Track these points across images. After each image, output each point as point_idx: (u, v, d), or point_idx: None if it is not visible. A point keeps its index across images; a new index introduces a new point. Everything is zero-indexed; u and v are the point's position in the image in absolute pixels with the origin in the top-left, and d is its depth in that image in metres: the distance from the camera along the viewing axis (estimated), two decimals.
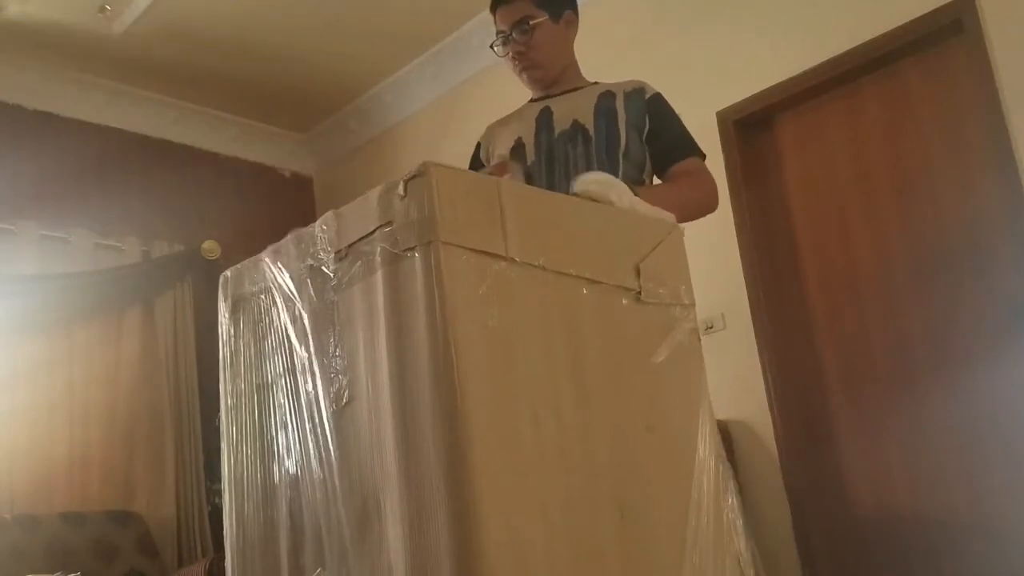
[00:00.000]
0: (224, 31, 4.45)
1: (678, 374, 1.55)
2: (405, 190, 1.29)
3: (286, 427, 1.48)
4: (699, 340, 1.62)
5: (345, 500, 1.34)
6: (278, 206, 5.33)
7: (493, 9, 2.17)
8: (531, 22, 2.10)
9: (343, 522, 1.34)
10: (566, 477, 1.31)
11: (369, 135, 5.28)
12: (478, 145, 2.27)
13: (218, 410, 1.66)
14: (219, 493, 1.98)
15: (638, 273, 1.52)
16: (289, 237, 1.57)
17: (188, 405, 4.54)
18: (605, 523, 1.34)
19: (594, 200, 1.57)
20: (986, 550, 2.90)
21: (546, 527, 1.26)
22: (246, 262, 1.67)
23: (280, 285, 1.53)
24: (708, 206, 2.12)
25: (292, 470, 1.46)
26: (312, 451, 1.42)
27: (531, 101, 2.25)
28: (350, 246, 1.39)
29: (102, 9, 4.20)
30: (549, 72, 2.18)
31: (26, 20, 4.17)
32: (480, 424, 1.21)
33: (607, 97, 2.15)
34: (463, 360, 1.22)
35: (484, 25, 4.51)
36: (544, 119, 2.15)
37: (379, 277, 1.33)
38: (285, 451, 1.48)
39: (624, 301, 1.50)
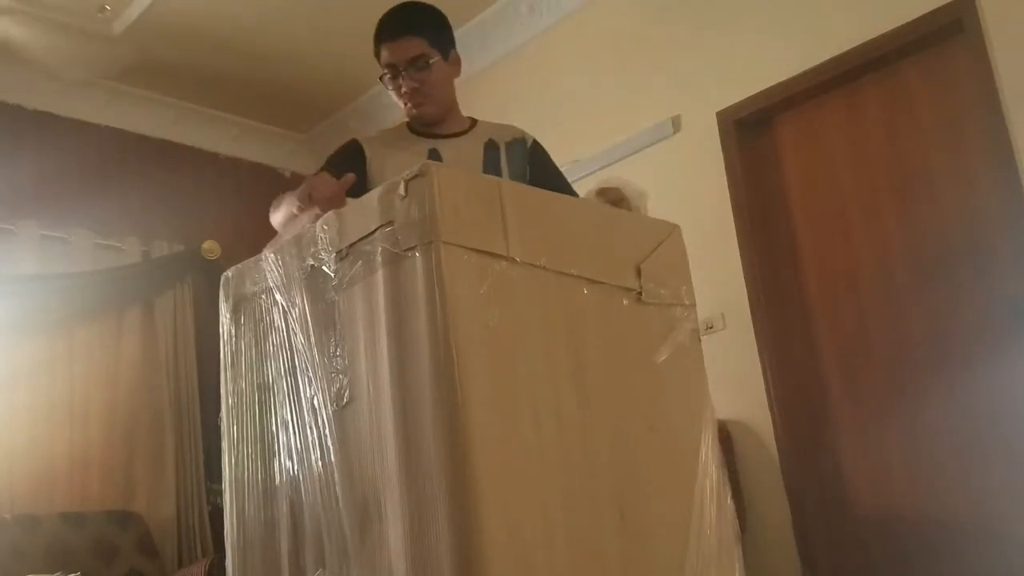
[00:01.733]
0: (224, 31, 4.44)
1: (679, 374, 1.55)
2: (406, 190, 1.30)
3: (287, 427, 1.48)
4: (700, 340, 1.62)
5: (346, 500, 1.35)
6: None
7: (381, 42, 2.08)
8: (430, 61, 2.07)
9: (343, 522, 1.34)
10: (567, 477, 1.31)
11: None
12: (360, 151, 2.15)
13: (218, 410, 1.67)
14: (219, 493, 1.98)
15: (639, 273, 1.53)
16: (288, 237, 1.57)
17: (188, 405, 4.54)
18: (606, 523, 1.35)
19: (620, 199, 1.60)
20: (986, 550, 2.90)
21: (546, 526, 1.26)
22: (247, 262, 1.67)
23: (281, 285, 1.53)
24: None
25: (293, 470, 1.46)
26: (313, 451, 1.42)
27: (411, 131, 2.19)
28: (351, 246, 1.39)
29: (102, 9, 4.20)
30: (440, 109, 2.15)
31: (26, 20, 4.16)
32: (481, 424, 1.21)
33: (492, 150, 2.14)
34: (464, 360, 1.22)
35: (483, 26, 4.51)
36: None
37: (380, 277, 1.33)
38: (286, 451, 1.48)
39: (625, 301, 1.50)
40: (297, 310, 1.49)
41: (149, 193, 4.87)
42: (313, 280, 1.47)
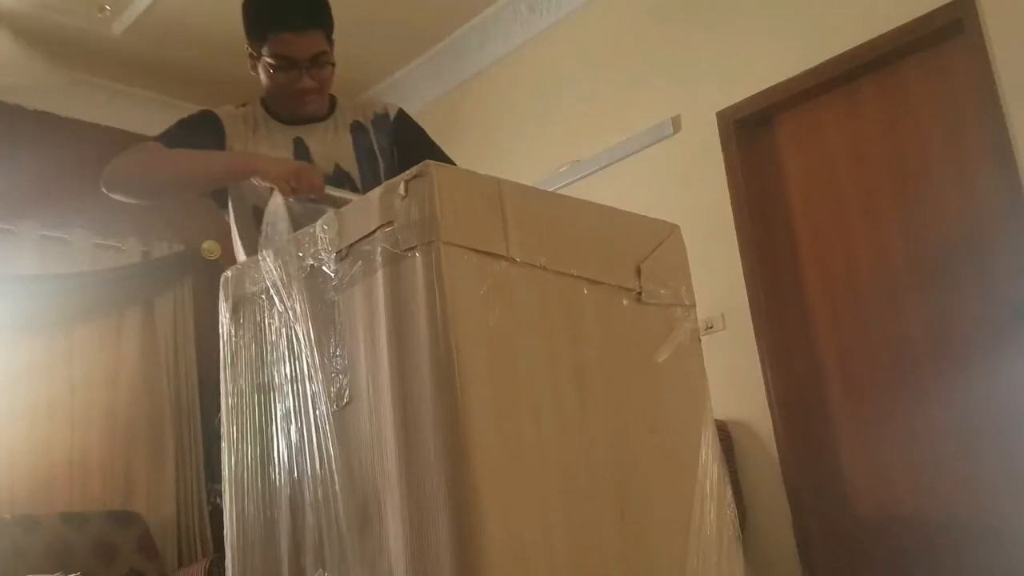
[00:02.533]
0: (224, 31, 4.43)
1: (679, 375, 1.55)
2: (406, 190, 1.29)
3: (287, 427, 1.48)
4: (700, 340, 1.62)
5: (345, 500, 1.34)
6: None
7: (281, 29, 1.88)
8: (331, 59, 1.94)
9: (343, 522, 1.34)
10: (566, 477, 1.31)
11: None
12: (220, 127, 1.97)
13: (218, 410, 1.66)
14: (219, 493, 1.98)
15: (639, 274, 1.53)
16: (288, 237, 1.57)
17: (188, 405, 4.55)
18: (606, 523, 1.35)
19: None
20: (986, 550, 2.90)
21: (546, 527, 1.26)
22: (247, 262, 1.67)
23: (281, 285, 1.53)
24: None
25: (293, 470, 1.46)
26: (313, 451, 1.42)
27: (268, 113, 2.02)
28: (351, 246, 1.39)
29: (102, 9, 4.20)
30: (323, 104, 2.03)
31: (26, 20, 4.17)
32: (481, 424, 1.21)
33: (360, 133, 2.03)
34: (464, 360, 1.22)
35: (484, 26, 4.51)
36: (301, 154, 1.98)
37: (380, 277, 1.33)
38: (286, 451, 1.48)
39: (625, 301, 1.50)
40: (297, 310, 1.49)
41: None
42: (313, 280, 1.47)
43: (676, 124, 3.77)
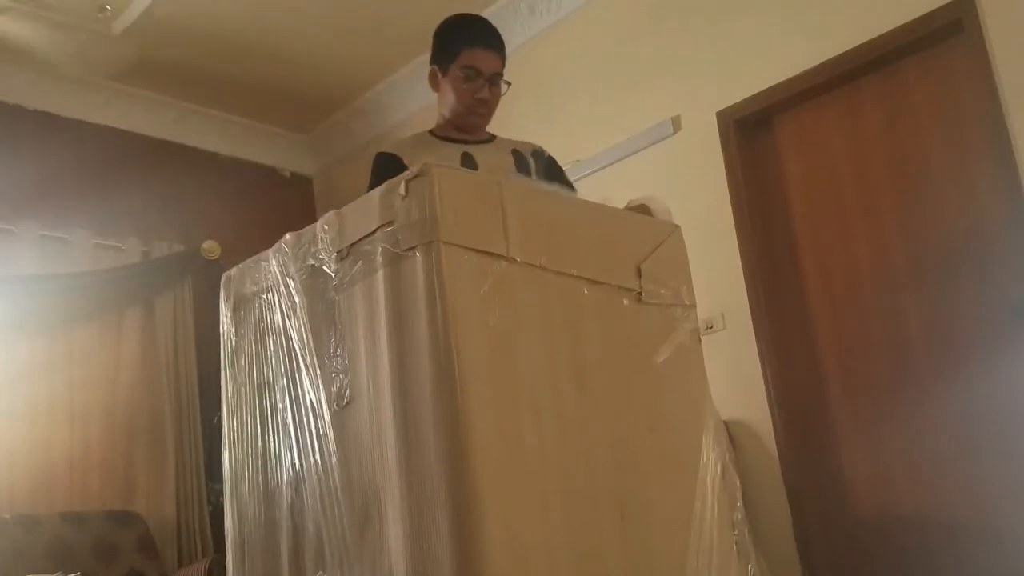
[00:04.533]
0: (224, 31, 4.44)
1: (679, 375, 1.55)
2: (406, 190, 1.30)
3: (287, 427, 1.48)
4: (700, 340, 1.62)
5: (346, 500, 1.34)
6: (278, 206, 5.33)
7: (477, 43, 2.18)
8: (507, 82, 2.20)
9: (344, 522, 1.34)
10: (566, 477, 1.31)
11: (369, 135, 5.27)
12: (397, 159, 2.18)
13: (218, 410, 1.67)
14: (219, 493, 1.98)
15: (639, 274, 1.53)
16: (288, 237, 1.57)
17: (188, 405, 4.54)
18: (605, 523, 1.34)
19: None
20: (986, 550, 2.90)
21: (546, 527, 1.26)
22: (247, 262, 1.67)
23: (281, 285, 1.53)
24: None
25: (293, 470, 1.46)
26: (313, 451, 1.42)
27: (436, 137, 2.25)
28: (351, 246, 1.39)
29: (102, 9, 4.20)
30: (486, 124, 2.26)
31: (26, 20, 4.17)
32: (481, 424, 1.21)
33: (520, 157, 2.24)
34: (464, 360, 1.22)
35: None
36: (467, 165, 2.18)
37: (380, 277, 1.33)
38: (286, 451, 1.48)
39: (625, 301, 1.50)
40: (297, 310, 1.49)
41: (149, 193, 4.87)
42: (313, 280, 1.47)
43: (676, 124, 3.76)
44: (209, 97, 5.06)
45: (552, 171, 2.29)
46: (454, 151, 2.18)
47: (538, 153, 2.29)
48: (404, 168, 2.09)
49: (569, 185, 2.27)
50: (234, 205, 5.18)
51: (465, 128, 2.24)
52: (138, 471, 4.38)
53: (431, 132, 2.28)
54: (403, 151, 2.20)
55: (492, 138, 2.29)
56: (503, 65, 2.20)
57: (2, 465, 3.99)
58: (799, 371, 3.39)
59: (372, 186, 2.10)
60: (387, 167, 2.17)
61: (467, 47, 2.18)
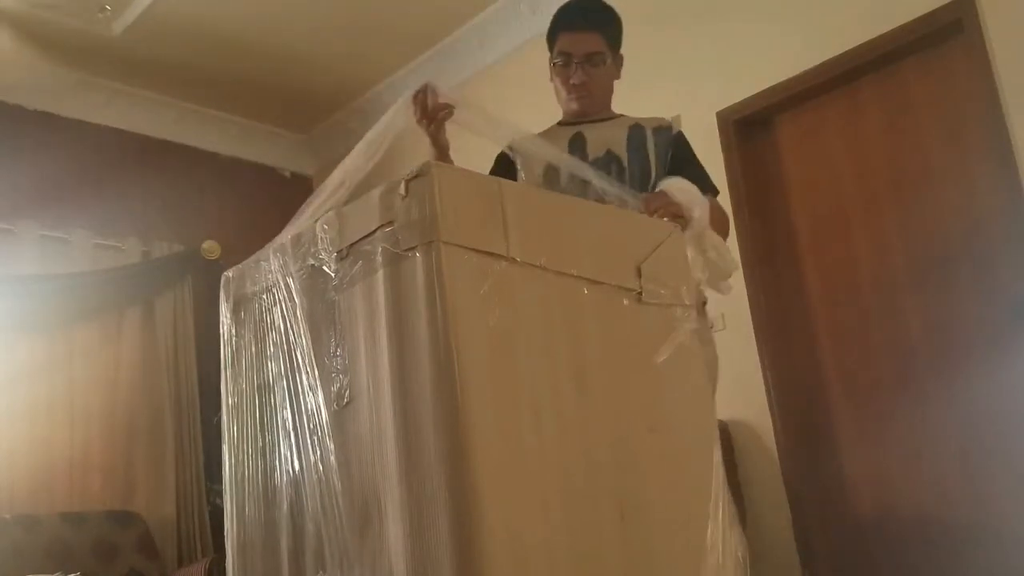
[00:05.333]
0: (224, 31, 4.44)
1: (679, 375, 1.55)
2: (406, 190, 1.29)
3: (287, 427, 1.48)
4: (700, 341, 1.62)
5: (346, 500, 1.34)
6: (278, 206, 5.28)
7: (561, 29, 2.17)
8: (603, 60, 2.15)
9: (344, 522, 1.34)
10: (566, 477, 1.31)
11: None
12: (505, 157, 2.19)
13: (218, 410, 1.67)
14: (219, 493, 1.99)
15: (639, 274, 1.53)
16: (289, 237, 1.57)
17: (188, 405, 4.54)
18: (605, 523, 1.34)
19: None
20: (986, 550, 2.90)
21: (547, 527, 1.26)
22: (247, 262, 1.67)
23: (281, 285, 1.53)
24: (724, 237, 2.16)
25: (293, 470, 1.46)
26: (313, 451, 1.42)
27: (560, 125, 2.26)
28: (351, 246, 1.39)
29: (102, 9, 4.20)
30: (596, 105, 2.22)
31: (26, 20, 4.17)
32: (481, 424, 1.21)
33: (637, 130, 2.19)
34: (464, 360, 1.22)
35: (484, 25, 4.51)
36: (577, 144, 2.18)
37: (380, 277, 1.33)
38: (286, 451, 1.48)
39: (625, 302, 1.50)
40: (297, 310, 1.49)
41: (149, 193, 4.88)
42: (313, 280, 1.47)
43: (676, 124, 3.76)
44: (209, 97, 5.06)
45: (677, 148, 2.20)
46: (566, 133, 2.20)
47: (662, 129, 2.22)
48: (510, 164, 2.15)
49: (692, 164, 2.18)
50: (234, 205, 5.18)
51: (570, 114, 2.23)
52: (138, 471, 4.38)
53: (558, 123, 2.28)
54: (519, 145, 2.16)
55: (614, 116, 2.25)
56: (602, 42, 2.15)
57: (2, 465, 3.99)
58: (799, 371, 3.39)
59: None
60: (496, 165, 2.22)
61: (556, 35, 2.18)
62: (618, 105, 2.32)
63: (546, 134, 2.24)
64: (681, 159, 2.18)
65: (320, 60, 4.74)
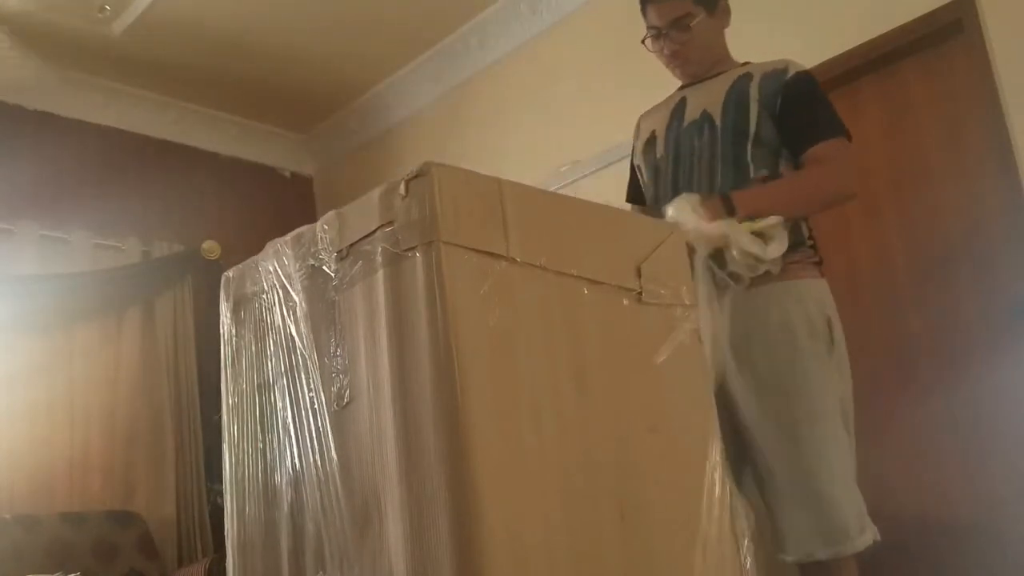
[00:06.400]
0: (224, 31, 4.44)
1: (679, 375, 1.55)
2: (406, 190, 1.30)
3: (287, 427, 1.48)
4: (700, 340, 1.62)
5: (346, 500, 1.35)
6: (278, 206, 5.33)
7: (646, 2, 2.17)
8: (691, 22, 2.09)
9: (344, 523, 1.34)
10: (566, 477, 1.31)
11: (369, 135, 5.27)
12: (637, 128, 2.29)
13: (218, 410, 1.67)
14: (219, 493, 1.99)
15: (639, 274, 1.52)
16: (289, 237, 1.57)
17: (188, 405, 4.54)
18: (606, 524, 1.34)
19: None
20: (986, 550, 2.90)
21: (547, 528, 1.26)
22: (247, 262, 1.67)
23: (281, 285, 1.53)
24: (837, 195, 2.07)
25: (293, 470, 1.46)
26: (313, 451, 1.42)
27: (679, 90, 2.26)
28: (351, 246, 1.39)
29: (102, 9, 4.20)
30: (703, 66, 2.17)
31: (26, 20, 4.17)
32: (481, 424, 1.21)
33: (742, 81, 2.08)
34: (464, 360, 1.22)
35: (484, 26, 4.51)
36: (679, 110, 2.16)
37: (380, 277, 1.33)
38: (286, 451, 1.48)
39: (625, 302, 1.50)
40: (297, 310, 1.49)
41: (149, 193, 4.87)
42: (313, 280, 1.47)
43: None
44: (209, 97, 5.06)
45: (788, 92, 2.03)
46: (674, 100, 2.19)
47: (773, 74, 2.06)
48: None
49: (805, 109, 2.03)
50: (234, 205, 5.18)
51: (681, 80, 2.23)
52: (138, 471, 4.37)
53: (680, 86, 2.26)
54: (638, 124, 2.27)
55: (726, 70, 2.16)
56: (688, 3, 2.10)
57: (2, 465, 3.99)
58: None
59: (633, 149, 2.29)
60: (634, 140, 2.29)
61: (644, 9, 2.19)
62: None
63: (666, 100, 2.25)
64: (791, 105, 2.02)
65: (320, 60, 4.74)
